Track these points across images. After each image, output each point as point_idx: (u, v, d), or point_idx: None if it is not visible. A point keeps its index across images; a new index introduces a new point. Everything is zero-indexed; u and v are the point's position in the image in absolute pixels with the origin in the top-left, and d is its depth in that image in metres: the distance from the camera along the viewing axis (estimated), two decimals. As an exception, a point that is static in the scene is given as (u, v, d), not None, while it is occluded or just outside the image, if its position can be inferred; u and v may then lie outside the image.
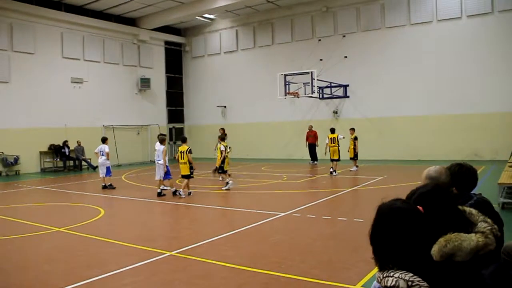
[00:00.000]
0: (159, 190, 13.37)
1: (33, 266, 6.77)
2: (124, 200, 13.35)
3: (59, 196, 14.64)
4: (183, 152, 13.13)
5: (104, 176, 15.53)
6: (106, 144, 15.80)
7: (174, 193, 13.27)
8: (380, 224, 2.17)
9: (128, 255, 7.11)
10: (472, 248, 2.41)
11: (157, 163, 13.54)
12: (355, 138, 18.94)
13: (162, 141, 13.69)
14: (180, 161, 13.19)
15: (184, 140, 13.80)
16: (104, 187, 15.45)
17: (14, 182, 18.74)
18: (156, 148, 13.78)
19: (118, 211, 12.08)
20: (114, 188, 15.35)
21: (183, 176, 13.29)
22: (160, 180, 13.55)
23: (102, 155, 15.53)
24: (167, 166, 13.53)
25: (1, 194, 15.42)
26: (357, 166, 19.14)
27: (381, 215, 2.18)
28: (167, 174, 13.59)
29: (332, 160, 17.89)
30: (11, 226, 9.70)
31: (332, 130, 18.69)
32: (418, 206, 2.65)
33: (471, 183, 3.55)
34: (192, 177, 13.46)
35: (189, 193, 13.18)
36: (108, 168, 15.52)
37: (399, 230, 2.10)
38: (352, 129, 19.29)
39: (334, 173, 17.51)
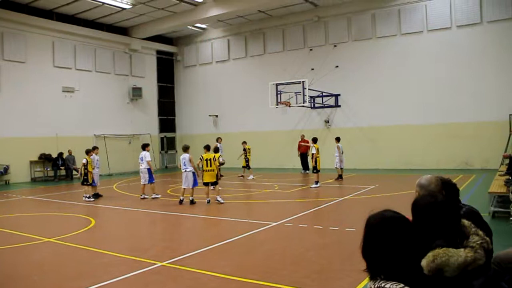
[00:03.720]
0: (191, 198, 13.43)
1: (22, 277, 6.68)
2: (115, 210, 13.26)
3: (50, 206, 14.52)
4: (209, 160, 13.37)
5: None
6: (95, 153, 15.75)
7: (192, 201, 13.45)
8: (371, 234, 2.17)
9: (119, 266, 7.05)
10: (460, 264, 2.41)
11: (185, 171, 13.58)
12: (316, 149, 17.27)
13: (186, 150, 13.97)
14: (206, 168, 13.36)
15: (208, 148, 13.94)
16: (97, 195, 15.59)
17: (3, 191, 18.56)
18: (181, 157, 13.89)
19: (109, 221, 12.00)
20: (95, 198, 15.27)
21: (212, 183, 13.52)
22: (188, 187, 13.59)
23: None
24: (194, 173, 13.63)
25: (-10, 204, 15.25)
26: (317, 183, 16.80)
27: (371, 225, 2.18)
28: (195, 182, 13.65)
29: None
30: (1, 237, 9.58)
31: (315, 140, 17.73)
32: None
33: (454, 196, 3.49)
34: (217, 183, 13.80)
35: (219, 202, 13.32)
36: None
37: (390, 240, 2.10)
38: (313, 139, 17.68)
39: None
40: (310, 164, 18.22)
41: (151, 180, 15.04)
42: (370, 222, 2.20)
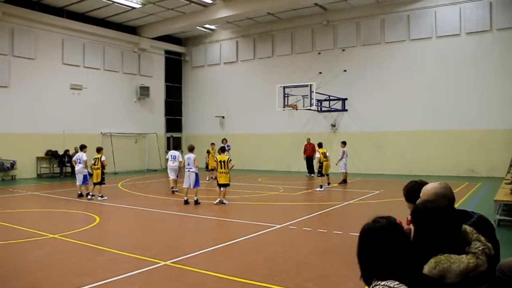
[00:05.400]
0: (195, 198, 13.49)
1: (26, 272, 6.71)
2: (120, 208, 13.30)
3: (55, 202, 14.59)
4: (223, 162, 13.36)
5: (80, 184, 15.32)
6: (84, 152, 15.50)
7: (197, 202, 13.51)
8: (365, 243, 2.19)
9: (122, 264, 7.07)
10: (462, 270, 2.40)
11: (188, 171, 13.63)
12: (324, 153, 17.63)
13: (191, 150, 14.04)
14: (220, 170, 13.34)
15: (223, 150, 14.14)
16: (80, 195, 15.26)
17: (9, 187, 18.67)
18: (186, 156, 13.93)
19: (114, 219, 12.03)
20: (92, 196, 14.90)
21: (222, 185, 13.42)
22: (189, 187, 13.62)
23: (79, 163, 15.25)
24: (197, 174, 13.64)
25: (-4, 199, 15.34)
26: (321, 187, 17.01)
27: (365, 234, 2.20)
28: (197, 182, 13.66)
29: (327, 174, 17.71)
30: (5, 232, 9.64)
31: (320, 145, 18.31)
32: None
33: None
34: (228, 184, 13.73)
35: (222, 202, 13.37)
36: (85, 176, 15.26)
37: (384, 248, 2.12)
38: (319, 144, 18.38)
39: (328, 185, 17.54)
40: (315, 167, 18.40)
41: (179, 176, 16.46)
42: (363, 230, 2.22)
